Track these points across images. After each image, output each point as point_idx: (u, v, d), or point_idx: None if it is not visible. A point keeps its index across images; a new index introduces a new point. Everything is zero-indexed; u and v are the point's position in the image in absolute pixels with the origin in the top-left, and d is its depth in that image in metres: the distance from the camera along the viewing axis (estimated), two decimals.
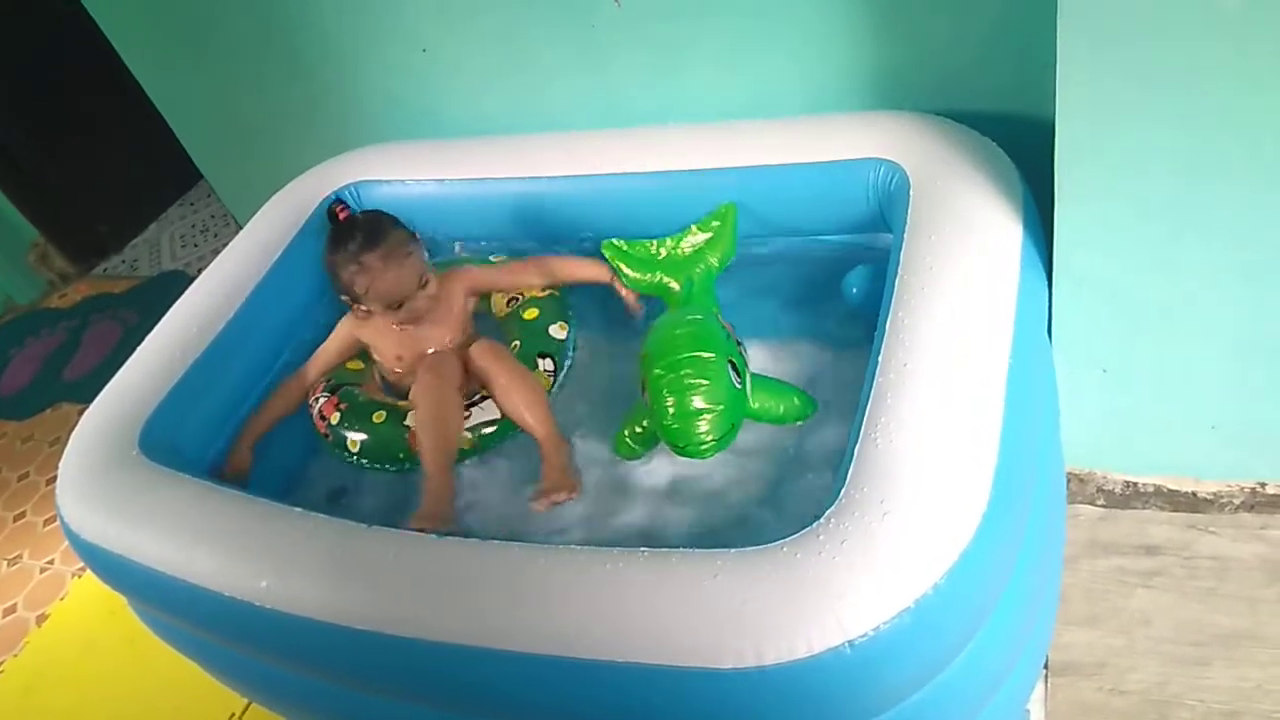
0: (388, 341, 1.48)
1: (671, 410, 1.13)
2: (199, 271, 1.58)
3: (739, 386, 1.17)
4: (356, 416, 1.41)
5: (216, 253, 1.61)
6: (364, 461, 1.41)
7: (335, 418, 1.42)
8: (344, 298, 1.44)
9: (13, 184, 3.02)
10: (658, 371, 1.16)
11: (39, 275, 3.16)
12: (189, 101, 2.09)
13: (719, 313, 1.35)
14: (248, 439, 1.43)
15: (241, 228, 1.65)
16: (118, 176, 3.22)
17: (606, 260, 1.50)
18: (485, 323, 1.59)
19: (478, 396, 1.40)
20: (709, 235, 1.45)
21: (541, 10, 1.53)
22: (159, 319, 1.47)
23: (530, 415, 1.37)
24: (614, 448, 1.33)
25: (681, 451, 1.15)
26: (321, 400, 1.46)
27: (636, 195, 1.49)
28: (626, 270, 1.49)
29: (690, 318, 1.24)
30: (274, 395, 1.49)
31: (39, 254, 3.14)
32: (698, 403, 1.13)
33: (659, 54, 1.51)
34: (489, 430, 1.39)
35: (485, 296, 1.59)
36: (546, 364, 1.45)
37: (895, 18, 1.34)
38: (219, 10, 1.81)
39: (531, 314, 1.52)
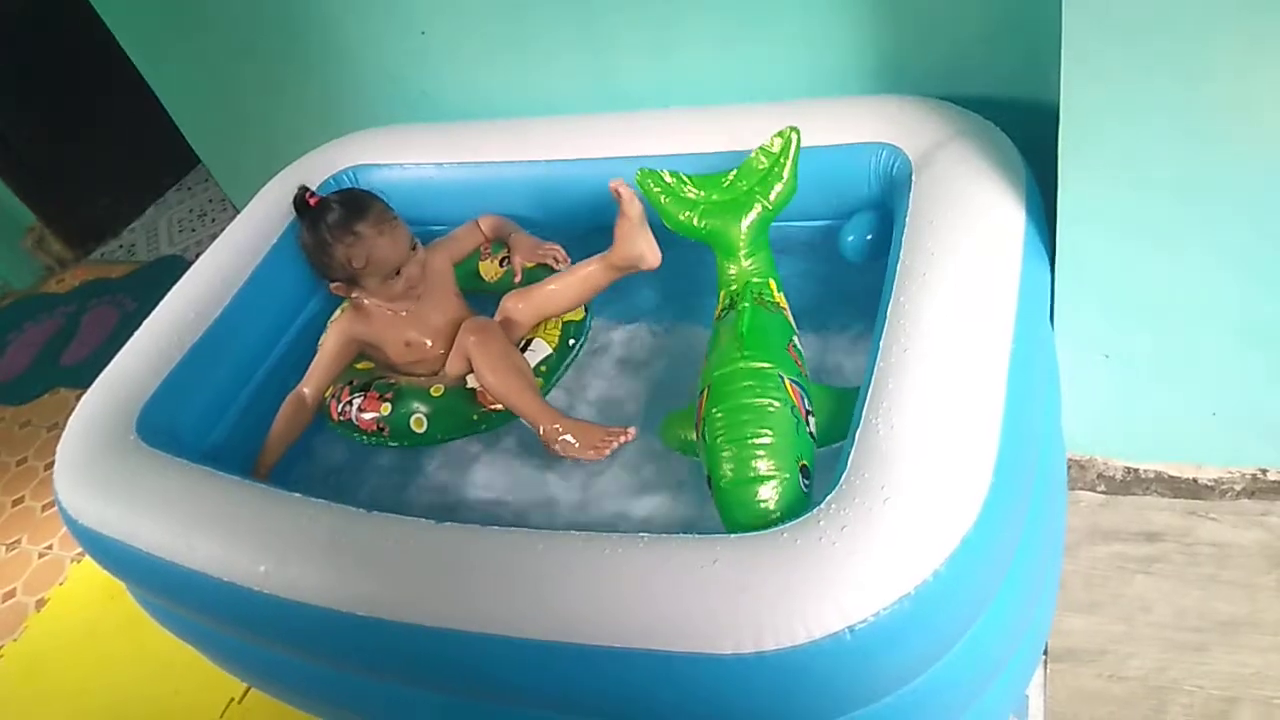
0: (391, 329, 1.45)
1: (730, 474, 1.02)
2: (196, 256, 1.57)
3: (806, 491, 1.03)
4: (412, 398, 1.38)
5: (214, 237, 1.61)
6: (438, 436, 1.38)
7: (386, 409, 1.37)
8: (334, 283, 1.42)
9: (9, 169, 3.00)
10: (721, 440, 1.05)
11: (36, 260, 3.14)
12: (186, 86, 2.08)
13: (775, 286, 1.27)
14: (264, 467, 1.37)
15: (239, 212, 1.65)
16: (115, 161, 3.20)
17: (639, 189, 1.33)
18: (482, 298, 1.57)
19: (523, 341, 1.43)
20: (762, 171, 1.29)
21: None
22: (156, 304, 1.47)
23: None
24: (662, 438, 1.27)
25: (733, 527, 1.01)
26: (358, 400, 1.40)
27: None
28: (667, 205, 1.33)
29: (751, 388, 1.08)
30: (282, 421, 1.40)
31: (36, 239, 3.13)
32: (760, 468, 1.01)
33: (658, 37, 1.50)
34: (544, 367, 1.41)
35: (475, 273, 1.58)
36: None
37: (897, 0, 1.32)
38: None
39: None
